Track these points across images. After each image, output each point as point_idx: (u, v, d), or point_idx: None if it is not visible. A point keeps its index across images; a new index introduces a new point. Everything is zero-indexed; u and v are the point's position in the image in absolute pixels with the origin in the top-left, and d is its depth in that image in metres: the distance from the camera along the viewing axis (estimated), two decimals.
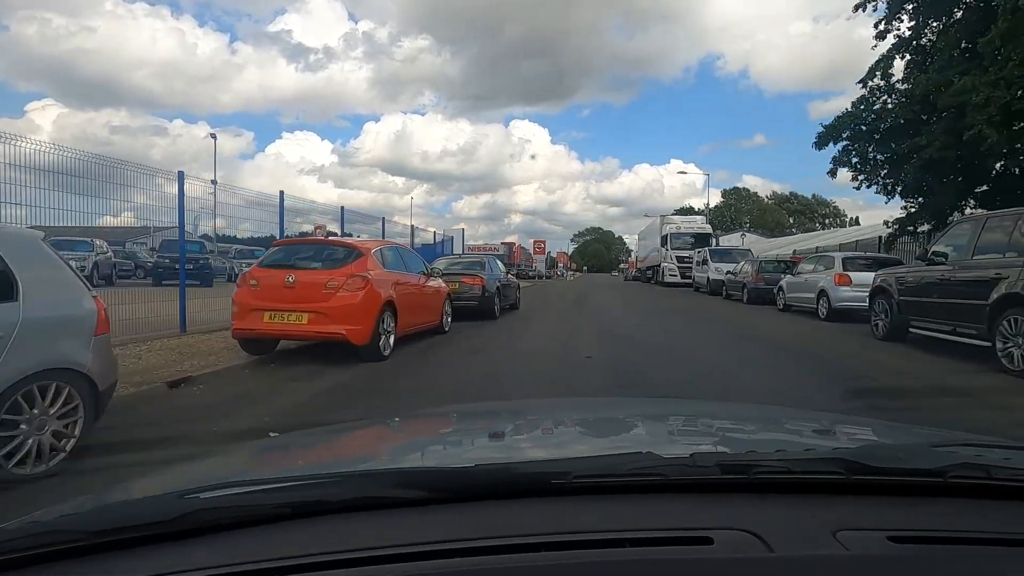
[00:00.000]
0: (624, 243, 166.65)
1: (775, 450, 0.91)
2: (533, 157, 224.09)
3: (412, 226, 19.81)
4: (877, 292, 8.58)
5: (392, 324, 6.47)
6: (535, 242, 68.51)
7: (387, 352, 6.33)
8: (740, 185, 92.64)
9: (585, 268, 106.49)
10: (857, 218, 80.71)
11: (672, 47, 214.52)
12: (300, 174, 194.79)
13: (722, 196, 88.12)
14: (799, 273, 13.04)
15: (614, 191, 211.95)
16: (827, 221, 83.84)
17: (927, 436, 1.23)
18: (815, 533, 0.65)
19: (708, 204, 47.12)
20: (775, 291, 14.49)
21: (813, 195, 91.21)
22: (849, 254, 12.62)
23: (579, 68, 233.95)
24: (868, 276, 10.83)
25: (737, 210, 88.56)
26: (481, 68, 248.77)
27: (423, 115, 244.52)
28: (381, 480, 0.81)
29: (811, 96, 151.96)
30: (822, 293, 11.37)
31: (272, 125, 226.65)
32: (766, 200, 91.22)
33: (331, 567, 0.61)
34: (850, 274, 10.95)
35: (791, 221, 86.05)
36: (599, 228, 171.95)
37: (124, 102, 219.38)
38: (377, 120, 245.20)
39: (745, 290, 16.33)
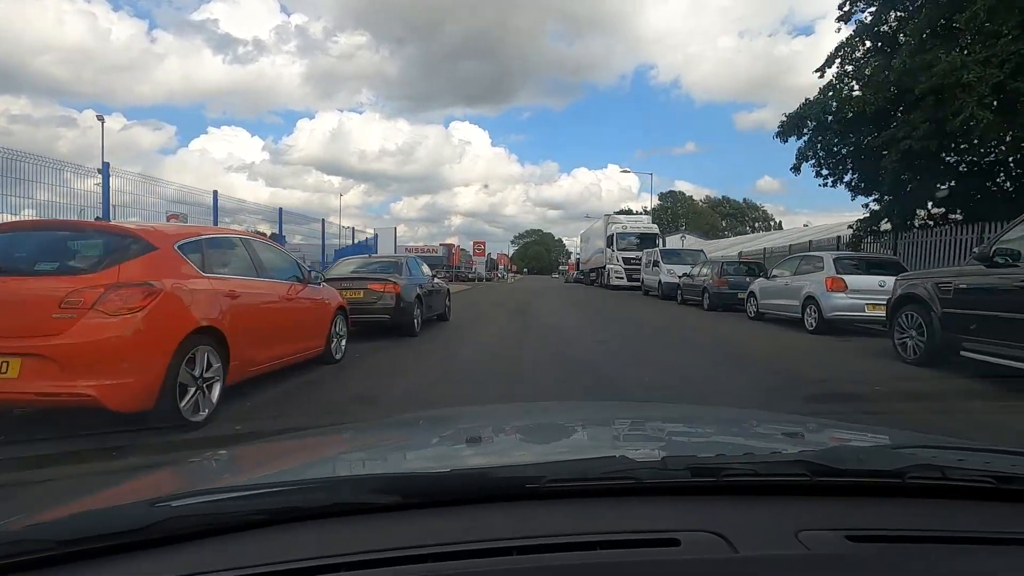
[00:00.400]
0: (564, 245, 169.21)
1: (743, 453, 0.96)
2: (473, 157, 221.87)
3: (341, 226, 17.06)
4: (905, 301, 6.66)
5: (216, 365, 3.85)
6: (475, 243, 65.93)
7: (201, 414, 3.67)
8: (672, 190, 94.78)
9: (525, 270, 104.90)
10: (780, 222, 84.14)
11: (609, 55, 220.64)
12: (228, 171, 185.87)
13: (659, 199, 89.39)
14: (775, 276, 11.21)
15: (553, 194, 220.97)
16: (757, 225, 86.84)
17: (889, 438, 1.23)
18: (778, 534, 0.66)
19: (650, 205, 46.45)
20: (744, 297, 12.70)
21: (744, 199, 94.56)
22: (841, 254, 10.80)
23: (519, 72, 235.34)
24: (868, 280, 9.06)
25: (674, 213, 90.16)
26: (420, 68, 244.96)
27: (360, 113, 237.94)
28: (357, 486, 0.80)
29: (737, 107, 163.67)
30: (810, 300, 9.51)
31: (197, 119, 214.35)
32: (700, 204, 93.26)
33: (307, 574, 0.61)
34: (844, 278, 9.11)
35: (723, 224, 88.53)
36: (539, 230, 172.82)
37: (25, 89, 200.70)
38: (312, 117, 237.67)
39: (706, 295, 14.50)
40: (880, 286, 8.97)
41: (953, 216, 15.01)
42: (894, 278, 8.44)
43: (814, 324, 9.34)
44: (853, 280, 9.06)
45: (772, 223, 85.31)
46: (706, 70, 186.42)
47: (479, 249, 64.34)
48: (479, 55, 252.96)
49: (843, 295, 9.03)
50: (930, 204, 15.15)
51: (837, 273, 9.22)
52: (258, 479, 1.00)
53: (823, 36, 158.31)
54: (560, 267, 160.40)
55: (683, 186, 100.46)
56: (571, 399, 4.58)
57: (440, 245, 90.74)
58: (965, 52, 11.08)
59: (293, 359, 5.27)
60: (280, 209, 11.65)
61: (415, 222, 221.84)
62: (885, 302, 8.58)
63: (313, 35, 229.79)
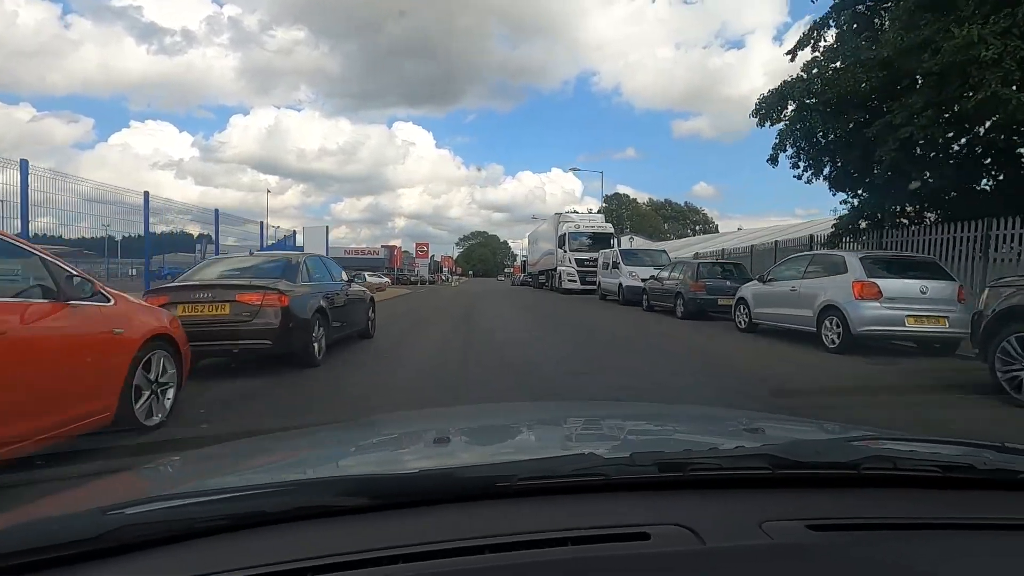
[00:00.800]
0: (509, 248, 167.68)
1: (708, 448, 0.97)
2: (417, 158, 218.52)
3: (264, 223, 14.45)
4: (1011, 319, 4.68)
5: None
6: (417, 245, 61.95)
7: None
8: (617, 192, 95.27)
9: (471, 272, 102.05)
10: (717, 226, 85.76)
11: (553, 61, 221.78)
12: (153, 168, 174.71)
13: (604, 202, 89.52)
14: (773, 280, 9.26)
15: (498, 196, 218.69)
16: (698, 228, 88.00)
17: (845, 432, 1.25)
18: (743, 525, 0.67)
19: (597, 208, 45.01)
20: (727, 303, 10.78)
21: (685, 203, 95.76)
22: (868, 253, 8.77)
23: (465, 74, 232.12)
24: (907, 286, 7.16)
25: (619, 216, 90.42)
26: (363, 65, 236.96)
27: (299, 111, 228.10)
28: (323, 489, 0.77)
29: (674, 115, 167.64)
30: (830, 310, 7.53)
31: (118, 112, 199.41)
32: (644, 207, 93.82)
33: None
34: (878, 282, 7.18)
35: (666, 227, 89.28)
36: (484, 232, 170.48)
37: None
38: (246, 113, 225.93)
39: (680, 301, 12.53)
40: (922, 292, 7.11)
41: (929, 214, 13.77)
42: (951, 283, 7.09)
43: (837, 341, 7.38)
44: (888, 285, 7.14)
45: (711, 226, 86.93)
46: (645, 78, 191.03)
47: (422, 251, 60.79)
48: (424, 55, 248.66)
49: (877, 304, 7.09)
50: (907, 202, 13.80)
51: (867, 277, 7.27)
52: (219, 483, 0.95)
53: (752, 50, 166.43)
54: (506, 270, 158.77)
55: (624, 190, 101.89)
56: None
57: (382, 247, 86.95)
58: (981, 25, 9.50)
59: (56, 429, 2.76)
60: (216, 211, 11.24)
61: (357, 223, 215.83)
62: (930, 313, 7.03)
63: (248, 28, 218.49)
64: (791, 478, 0.80)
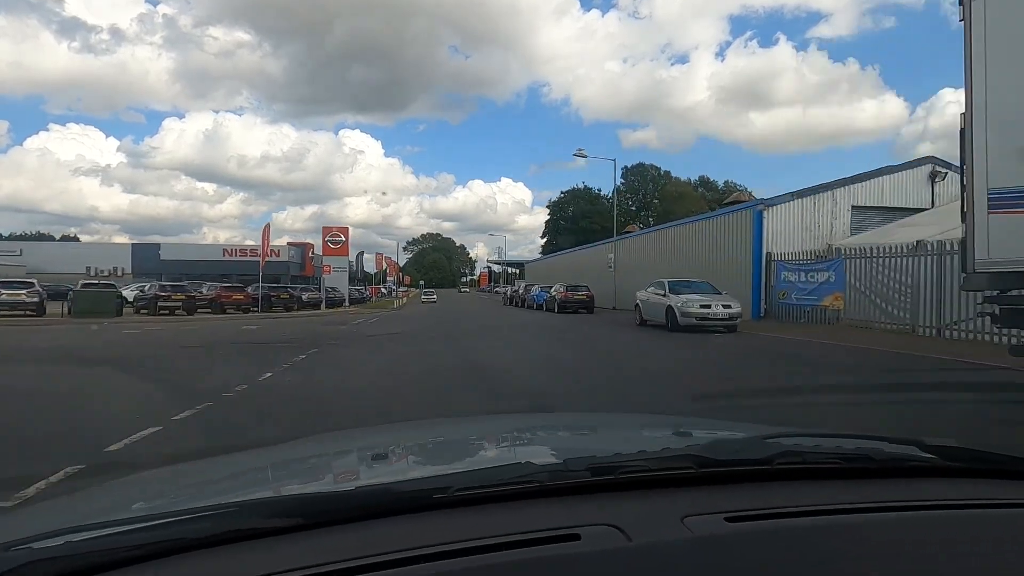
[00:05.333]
0: (467, 252, 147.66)
1: (637, 451, 0.97)
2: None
3: None
4: None
5: None
6: (326, 231, 34.92)
7: None
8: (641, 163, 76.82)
9: (421, 283, 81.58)
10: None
11: (504, 72, 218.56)
12: (76, 175, 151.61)
13: (622, 178, 71.21)
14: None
15: (449, 206, 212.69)
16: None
17: (762, 431, 1.30)
18: (667, 521, 0.71)
19: (618, 184, 28.57)
20: None
21: (725, 182, 76.67)
22: None
23: (415, 82, 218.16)
24: None
25: (643, 194, 74.35)
26: (308, 70, 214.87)
27: (240, 115, 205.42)
28: (250, 510, 0.75)
29: (621, 126, 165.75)
30: None
31: (33, 114, 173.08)
32: (677, 183, 73.18)
33: None
34: None
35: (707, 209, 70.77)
36: (438, 234, 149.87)
37: None
38: (181, 117, 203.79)
39: None
40: None
41: None
42: None
43: None
44: None
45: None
46: (593, 90, 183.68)
47: (336, 243, 33.83)
48: (372, 61, 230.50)
49: None
50: None
51: None
52: (138, 511, 0.92)
53: (697, 65, 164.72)
54: (465, 279, 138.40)
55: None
56: None
57: (288, 245, 59.55)
58: None
59: None
60: None
61: (301, 233, 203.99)
62: None
63: (183, 27, 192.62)
64: (712, 476, 0.84)
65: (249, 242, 49.56)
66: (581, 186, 73.67)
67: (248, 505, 0.81)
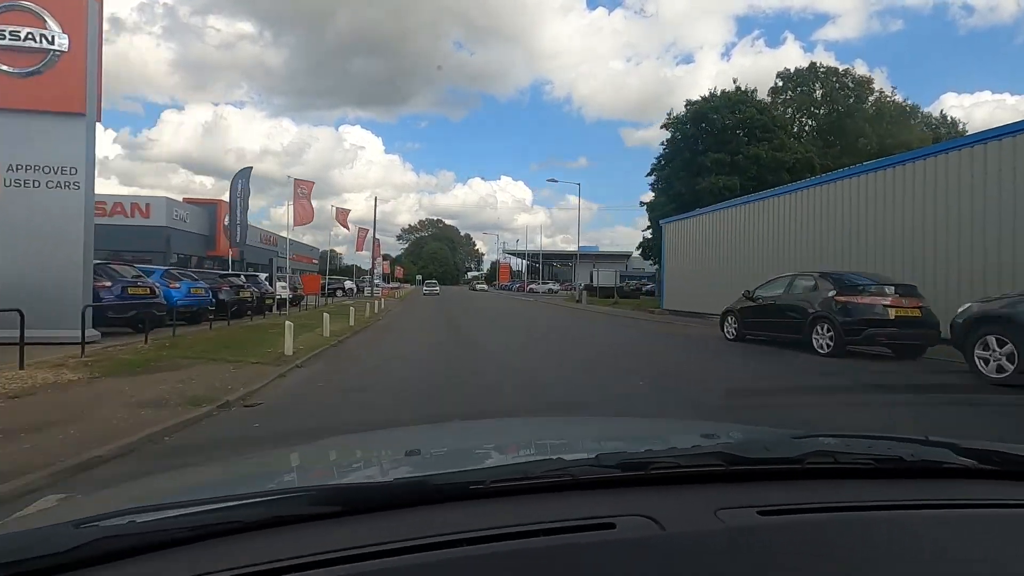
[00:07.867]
0: (473, 244, 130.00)
1: (668, 448, 1.02)
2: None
3: None
4: None
5: None
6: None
7: None
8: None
9: (419, 278, 68.59)
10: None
11: (507, 68, 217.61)
12: None
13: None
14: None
15: (448, 203, 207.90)
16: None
17: (790, 432, 1.32)
18: (700, 513, 0.74)
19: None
20: None
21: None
22: None
23: (418, 78, 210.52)
24: None
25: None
26: (309, 62, 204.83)
27: (240, 108, 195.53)
28: (297, 498, 0.79)
29: (624, 124, 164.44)
30: None
31: None
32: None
33: None
34: None
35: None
36: (439, 220, 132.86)
37: None
38: (180, 109, 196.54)
39: None
40: None
41: None
42: None
43: None
44: None
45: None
46: (597, 88, 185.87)
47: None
48: (375, 55, 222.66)
49: None
50: None
51: None
52: (196, 495, 0.93)
53: (702, 65, 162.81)
54: (471, 273, 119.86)
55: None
56: None
57: (184, 201, 31.71)
58: None
59: None
60: None
61: (299, 228, 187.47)
62: None
63: (183, 17, 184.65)
64: (743, 473, 0.86)
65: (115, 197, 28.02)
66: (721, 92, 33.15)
67: (294, 492, 0.85)
